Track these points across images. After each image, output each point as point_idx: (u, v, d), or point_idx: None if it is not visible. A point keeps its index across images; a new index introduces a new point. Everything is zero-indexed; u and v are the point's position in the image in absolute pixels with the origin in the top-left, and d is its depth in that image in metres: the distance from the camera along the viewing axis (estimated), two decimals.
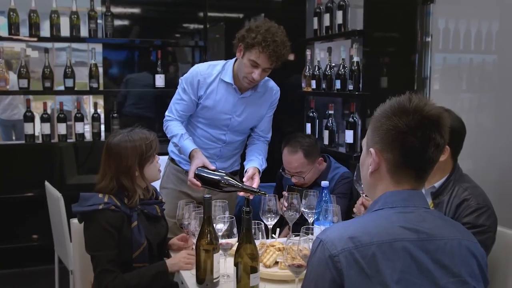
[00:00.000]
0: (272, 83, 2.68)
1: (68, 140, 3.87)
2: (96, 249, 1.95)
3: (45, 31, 3.82)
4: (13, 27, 3.62)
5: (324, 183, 2.13)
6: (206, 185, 2.36)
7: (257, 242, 1.77)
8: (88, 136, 4.06)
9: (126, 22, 4.09)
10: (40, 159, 3.96)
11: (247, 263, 1.66)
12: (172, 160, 2.76)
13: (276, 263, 1.99)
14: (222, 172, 2.36)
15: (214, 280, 1.82)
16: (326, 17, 3.51)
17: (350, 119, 3.22)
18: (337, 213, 2.00)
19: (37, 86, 3.87)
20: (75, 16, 3.75)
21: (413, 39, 3.07)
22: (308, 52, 3.70)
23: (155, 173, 2.12)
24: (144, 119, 4.05)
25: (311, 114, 3.66)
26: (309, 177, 2.71)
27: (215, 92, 2.54)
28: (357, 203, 2.14)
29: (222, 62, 2.61)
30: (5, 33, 3.65)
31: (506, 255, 1.94)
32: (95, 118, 3.89)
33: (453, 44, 2.89)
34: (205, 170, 2.36)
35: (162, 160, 2.33)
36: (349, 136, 3.22)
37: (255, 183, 2.38)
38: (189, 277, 1.93)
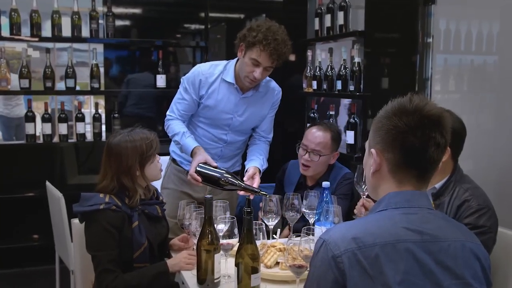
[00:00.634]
0: (274, 84, 2.68)
1: (69, 140, 3.88)
2: (97, 249, 1.95)
3: (46, 31, 3.83)
4: (14, 27, 3.62)
5: (325, 183, 2.12)
6: (206, 181, 2.35)
7: (258, 243, 1.77)
8: (89, 136, 4.06)
9: (127, 22, 4.10)
10: (41, 159, 3.97)
11: (248, 264, 1.66)
12: (173, 160, 2.76)
13: (277, 263, 1.98)
14: (223, 170, 2.35)
15: (215, 281, 1.82)
16: (327, 18, 3.50)
17: (351, 119, 3.21)
18: (338, 214, 1.99)
19: (38, 86, 3.87)
20: (77, 16, 3.76)
21: (414, 40, 3.08)
22: (309, 53, 3.69)
23: (156, 172, 2.12)
24: (145, 119, 4.05)
25: (312, 114, 3.66)
26: (320, 165, 2.66)
27: (216, 91, 2.54)
28: (357, 204, 2.14)
29: (224, 62, 2.61)
30: (6, 33, 3.65)
31: (507, 256, 1.94)
32: (96, 118, 3.89)
33: (454, 45, 2.89)
34: (207, 167, 2.35)
35: (164, 161, 2.33)
36: (350, 136, 3.21)
37: (256, 183, 2.38)
38: (190, 277, 1.93)
